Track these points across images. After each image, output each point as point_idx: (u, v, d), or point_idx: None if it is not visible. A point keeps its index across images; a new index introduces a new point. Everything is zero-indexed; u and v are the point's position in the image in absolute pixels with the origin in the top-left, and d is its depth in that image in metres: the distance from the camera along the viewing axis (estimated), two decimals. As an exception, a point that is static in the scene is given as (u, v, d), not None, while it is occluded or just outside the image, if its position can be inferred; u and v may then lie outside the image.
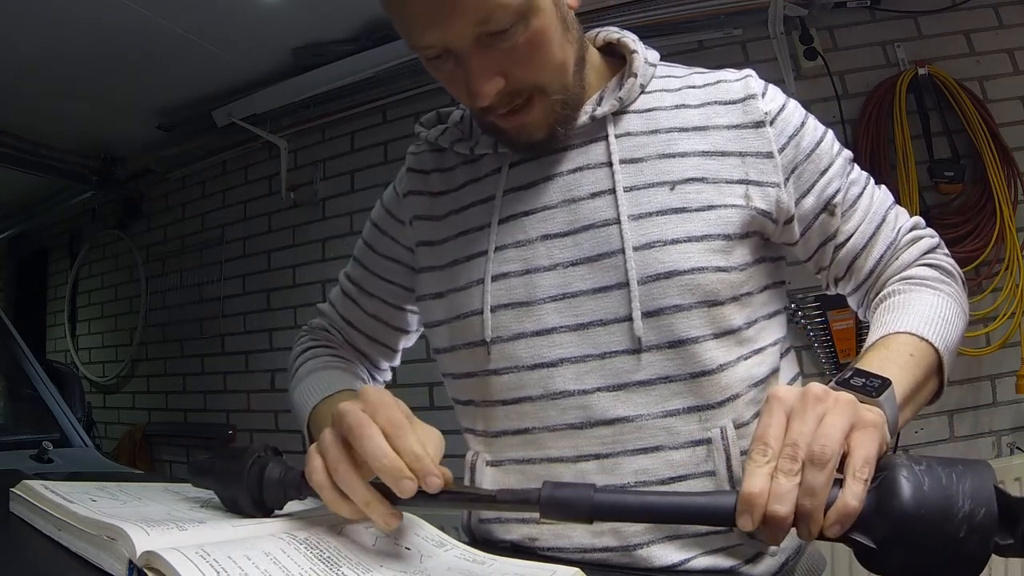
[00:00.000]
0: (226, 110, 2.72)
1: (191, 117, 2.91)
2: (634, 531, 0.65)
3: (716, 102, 0.70)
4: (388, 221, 0.82)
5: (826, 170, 0.70)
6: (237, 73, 2.64)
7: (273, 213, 2.87)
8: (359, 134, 2.69)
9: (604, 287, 0.66)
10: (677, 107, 0.71)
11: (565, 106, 0.67)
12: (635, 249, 0.65)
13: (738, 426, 0.65)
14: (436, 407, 2.17)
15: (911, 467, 0.43)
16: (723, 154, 0.68)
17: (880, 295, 0.70)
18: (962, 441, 1.90)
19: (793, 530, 0.45)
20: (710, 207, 0.66)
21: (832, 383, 0.51)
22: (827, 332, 1.97)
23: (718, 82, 0.72)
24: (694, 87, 0.72)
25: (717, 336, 0.65)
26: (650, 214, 0.66)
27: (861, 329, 1.93)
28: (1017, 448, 1.87)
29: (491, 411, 0.71)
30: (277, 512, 0.56)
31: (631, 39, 0.74)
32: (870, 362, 0.57)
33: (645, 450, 0.65)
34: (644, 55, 0.73)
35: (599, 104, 0.71)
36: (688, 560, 0.64)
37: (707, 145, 0.68)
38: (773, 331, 0.71)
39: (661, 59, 0.76)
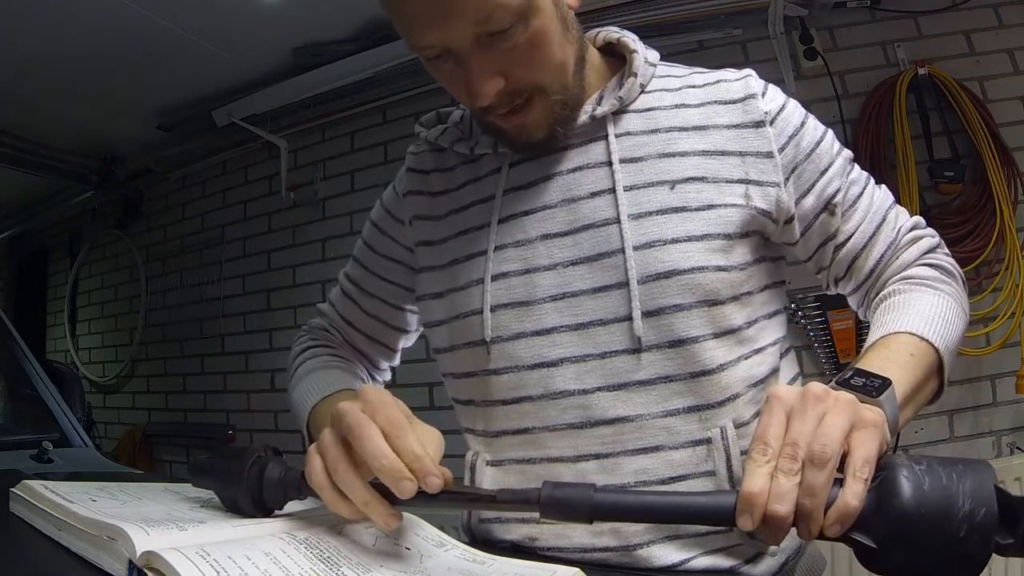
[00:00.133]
0: (226, 110, 2.72)
1: (191, 117, 2.91)
2: (634, 531, 0.65)
3: (716, 101, 0.70)
4: (388, 221, 0.82)
5: (826, 170, 0.70)
6: (237, 73, 2.64)
7: (273, 213, 2.87)
8: (359, 134, 2.69)
9: (604, 287, 0.66)
10: (677, 106, 0.71)
11: (565, 106, 0.67)
12: (635, 248, 0.65)
13: (738, 426, 0.65)
14: (436, 407, 2.17)
15: (911, 467, 0.43)
16: (723, 153, 0.68)
17: (880, 295, 0.70)
18: (962, 441, 1.90)
19: (793, 530, 0.45)
20: (710, 206, 0.66)
21: (832, 383, 0.51)
22: (827, 332, 1.97)
23: (718, 82, 0.72)
24: (694, 87, 0.72)
25: (717, 336, 0.65)
26: (650, 213, 0.66)
27: (861, 329, 1.93)
28: (1017, 448, 1.87)
29: (491, 411, 0.71)
30: (277, 512, 0.56)
31: (631, 39, 0.74)
32: (870, 362, 0.57)
33: (645, 450, 0.65)
34: (644, 55, 0.73)
35: (599, 104, 0.71)
36: (688, 560, 0.64)
37: (707, 144, 0.68)
38: (773, 331, 0.71)
39: (661, 59, 0.76)
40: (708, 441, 0.65)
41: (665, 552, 0.64)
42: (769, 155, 0.68)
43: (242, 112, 2.69)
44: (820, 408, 0.46)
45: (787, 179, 0.68)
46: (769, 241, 0.71)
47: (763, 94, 0.70)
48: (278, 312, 2.79)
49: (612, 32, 0.76)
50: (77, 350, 3.77)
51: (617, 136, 0.70)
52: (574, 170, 0.70)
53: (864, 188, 0.73)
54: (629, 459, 0.65)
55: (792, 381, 0.74)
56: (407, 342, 0.90)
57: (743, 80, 0.71)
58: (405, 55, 2.32)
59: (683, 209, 0.66)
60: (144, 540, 0.43)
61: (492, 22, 0.58)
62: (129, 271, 3.49)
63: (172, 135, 3.06)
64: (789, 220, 0.69)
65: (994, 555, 0.41)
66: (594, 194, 0.68)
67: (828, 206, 0.70)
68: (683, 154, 0.68)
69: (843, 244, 0.72)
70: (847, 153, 0.73)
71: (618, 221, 0.66)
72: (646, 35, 0.77)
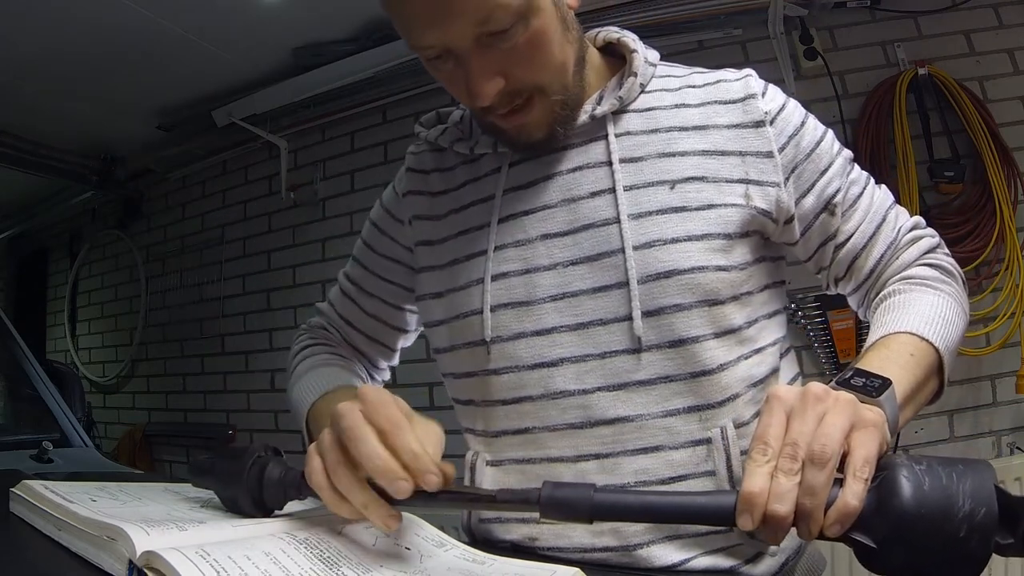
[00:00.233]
0: (226, 110, 2.72)
1: (191, 117, 2.91)
2: (634, 531, 0.65)
3: (716, 101, 0.70)
4: (387, 221, 0.82)
5: (826, 170, 0.70)
6: (237, 73, 2.64)
7: (273, 213, 2.87)
8: (359, 134, 2.69)
9: (604, 286, 0.66)
10: (677, 106, 0.71)
11: (565, 106, 0.67)
12: (635, 248, 0.65)
13: (738, 426, 0.65)
14: (436, 407, 2.17)
15: (911, 467, 0.43)
16: (723, 153, 0.68)
17: (880, 295, 0.70)
18: (962, 441, 1.90)
19: (793, 530, 0.45)
20: (710, 206, 0.66)
21: (832, 383, 0.51)
22: (827, 332, 1.97)
23: (718, 82, 0.72)
24: (694, 86, 0.72)
25: (717, 335, 0.65)
26: (650, 213, 0.66)
27: (861, 329, 1.93)
28: (1017, 448, 1.87)
29: (491, 411, 0.71)
30: (277, 512, 0.56)
31: (631, 39, 0.74)
32: (870, 362, 0.57)
33: (645, 450, 0.65)
34: (644, 54, 0.73)
35: (599, 103, 0.71)
36: (688, 560, 0.64)
37: (707, 144, 0.68)
38: (773, 331, 0.71)
39: (661, 59, 0.76)
40: (708, 441, 0.65)
41: (665, 552, 0.64)
42: (769, 155, 0.68)
43: (242, 112, 2.69)
44: (820, 408, 0.46)
45: (787, 179, 0.68)
46: (769, 241, 0.71)
47: (763, 94, 0.70)
48: (278, 312, 2.79)
49: (612, 32, 0.76)
50: (77, 350, 3.77)
51: (617, 136, 0.70)
52: (574, 170, 0.70)
53: (864, 188, 0.73)
54: (629, 459, 0.65)
55: (792, 381, 0.74)
56: (406, 342, 0.90)
57: (743, 80, 0.71)
58: (405, 55, 2.32)
59: (683, 209, 0.66)
60: (144, 540, 0.43)
61: (492, 22, 0.58)
62: (129, 271, 3.49)
63: (172, 135, 3.06)
64: (789, 220, 0.69)
65: (994, 555, 0.41)
66: (594, 194, 0.68)
67: (828, 206, 0.70)
68: (683, 154, 0.68)
69: (843, 244, 0.72)
70: (847, 153, 0.73)
71: (618, 221, 0.66)
72: (646, 35, 0.77)
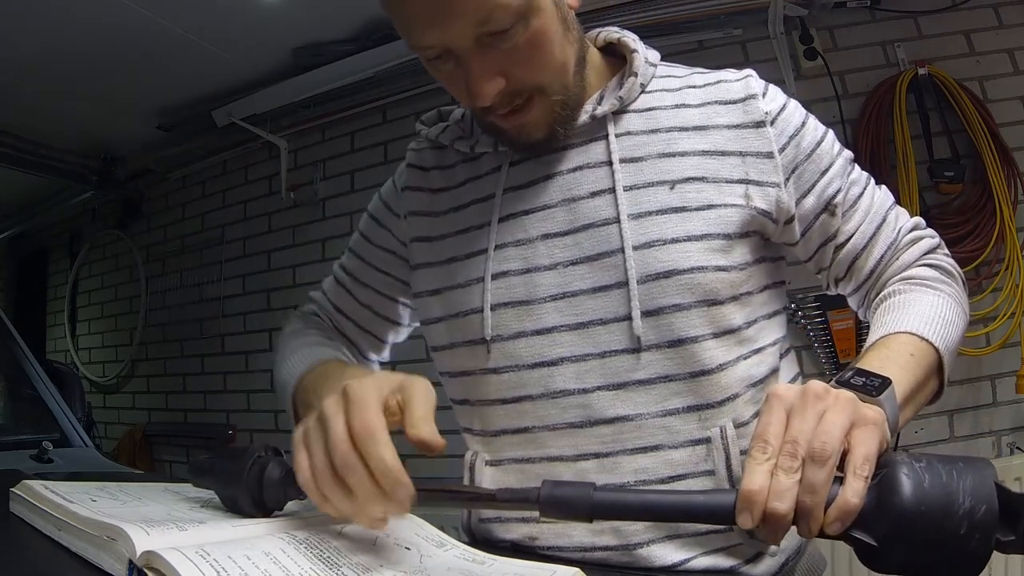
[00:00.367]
0: (226, 110, 2.72)
1: (191, 117, 2.91)
2: (634, 530, 0.65)
3: (716, 102, 0.70)
4: (384, 213, 0.82)
5: (827, 170, 0.70)
6: (237, 73, 2.64)
7: (273, 213, 2.87)
8: (359, 134, 2.69)
9: (604, 286, 0.66)
10: (677, 107, 0.71)
11: (565, 106, 0.67)
12: (635, 248, 0.65)
13: (738, 425, 0.65)
14: (437, 407, 2.16)
15: (911, 464, 0.43)
16: (723, 154, 0.68)
17: (880, 295, 0.70)
18: (962, 441, 1.90)
19: (793, 529, 0.45)
20: (710, 206, 0.66)
21: (832, 382, 0.51)
22: (827, 332, 1.97)
23: (718, 82, 0.72)
24: (694, 87, 0.72)
25: (717, 335, 0.65)
26: (650, 213, 0.66)
27: (861, 329, 1.93)
28: (1017, 448, 1.87)
29: (490, 410, 0.71)
30: (277, 512, 0.56)
31: (631, 39, 0.74)
32: (870, 362, 0.57)
33: (644, 449, 0.65)
34: (644, 55, 0.73)
35: (599, 103, 0.71)
36: (688, 560, 0.64)
37: (707, 144, 0.68)
38: (773, 331, 0.71)
39: (661, 59, 0.76)
40: (707, 441, 0.65)
41: (665, 552, 0.64)
42: (769, 155, 0.68)
43: (242, 112, 2.69)
44: (820, 406, 0.46)
45: (787, 179, 0.68)
46: (769, 242, 0.71)
47: (764, 94, 0.70)
48: (278, 312, 2.79)
49: (613, 32, 0.76)
50: (77, 350, 3.77)
51: (617, 136, 0.70)
52: (574, 170, 0.70)
53: (864, 189, 0.73)
54: (628, 458, 0.65)
55: (792, 381, 0.74)
56: (397, 337, 0.89)
57: (744, 80, 0.71)
58: (405, 55, 2.32)
59: (683, 209, 0.66)
60: (144, 540, 0.43)
61: (492, 22, 0.58)
62: (129, 271, 3.49)
63: (172, 135, 3.06)
64: (789, 220, 0.69)
65: (995, 553, 0.41)
66: (594, 194, 0.68)
67: (828, 206, 0.70)
68: (683, 154, 0.68)
69: (843, 244, 0.72)
70: (847, 154, 0.73)
71: (618, 221, 0.66)
72: (646, 35, 0.77)
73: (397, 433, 0.48)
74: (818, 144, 0.70)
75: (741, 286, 0.67)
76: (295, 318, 0.89)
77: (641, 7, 2.11)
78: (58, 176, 3.30)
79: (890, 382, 0.52)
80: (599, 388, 0.65)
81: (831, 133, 0.72)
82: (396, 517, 0.49)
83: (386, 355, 0.91)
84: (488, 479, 0.71)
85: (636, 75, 0.71)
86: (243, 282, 2.95)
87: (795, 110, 0.71)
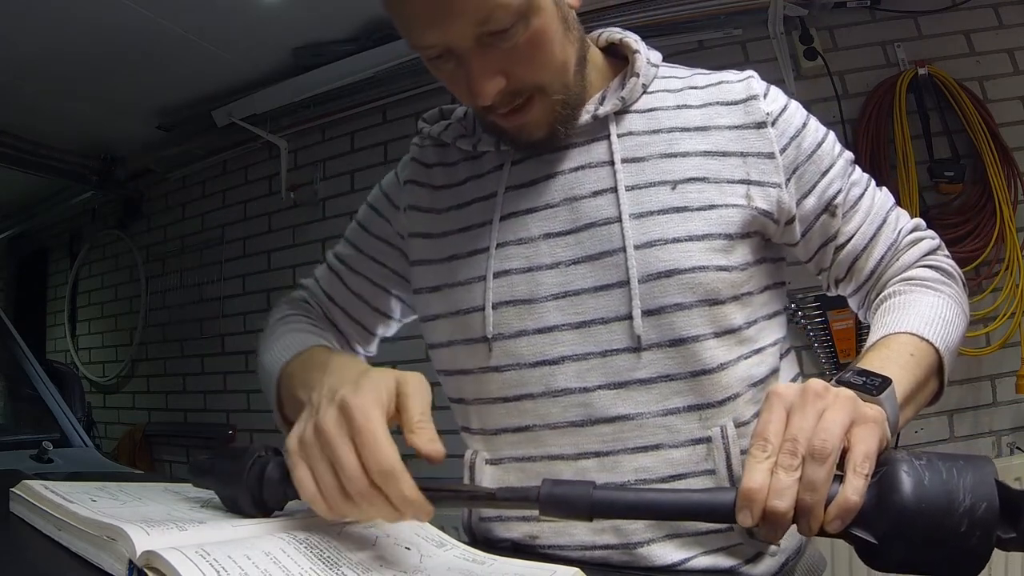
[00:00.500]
0: (226, 110, 2.72)
1: (191, 117, 2.91)
2: (635, 529, 0.65)
3: (718, 103, 0.70)
4: (384, 203, 0.82)
5: (827, 171, 0.70)
6: (237, 73, 2.64)
7: (273, 213, 2.87)
8: (359, 134, 2.69)
9: (605, 285, 0.66)
10: (679, 107, 0.71)
11: (566, 106, 0.67)
12: (636, 248, 0.65)
13: (738, 425, 0.65)
14: (437, 407, 2.16)
15: (912, 462, 0.43)
16: (724, 154, 0.68)
17: (881, 296, 0.71)
18: (962, 441, 1.90)
19: (793, 529, 0.45)
20: (711, 207, 0.66)
21: (833, 381, 0.51)
22: (827, 332, 1.97)
23: (720, 83, 0.72)
24: (696, 87, 0.72)
25: (718, 335, 0.65)
26: (651, 213, 0.66)
27: (861, 329, 1.93)
28: (1017, 448, 1.87)
29: (490, 408, 0.71)
30: (277, 512, 0.56)
31: (633, 39, 0.74)
32: (870, 362, 0.57)
33: (645, 448, 0.65)
34: (646, 55, 0.73)
35: (601, 103, 0.71)
36: (689, 559, 0.64)
37: (709, 145, 0.68)
38: (773, 331, 0.71)
39: (662, 60, 0.76)
40: (708, 440, 0.65)
41: (665, 551, 0.64)
42: (770, 156, 0.68)
43: (242, 112, 2.69)
44: (820, 404, 0.46)
45: (788, 180, 0.69)
46: (770, 242, 0.71)
47: (765, 95, 0.70)
48: (278, 312, 2.79)
49: (615, 33, 0.76)
50: (77, 350, 3.77)
51: (619, 136, 0.70)
52: (576, 169, 0.70)
53: (865, 190, 0.73)
54: (629, 457, 0.65)
55: (792, 381, 0.74)
56: (387, 330, 0.88)
57: (745, 81, 0.71)
58: (405, 55, 2.32)
59: (684, 209, 0.66)
60: (144, 540, 0.43)
61: (493, 22, 0.58)
62: (129, 271, 3.49)
63: (172, 135, 3.06)
64: (790, 221, 0.70)
65: (995, 550, 0.41)
66: (596, 193, 0.68)
67: (829, 207, 0.70)
68: (685, 154, 0.68)
69: (844, 245, 0.72)
70: (848, 155, 0.73)
71: (620, 220, 0.66)
72: (646, 35, 0.77)
73: (396, 432, 0.48)
74: (819, 145, 0.70)
75: (742, 286, 0.67)
76: (283, 303, 0.88)
77: (641, 7, 2.11)
78: (58, 176, 3.30)
79: (890, 381, 0.52)
80: (600, 387, 0.65)
81: (832, 135, 0.73)
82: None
83: (373, 349, 0.89)
84: (488, 478, 0.71)
85: (638, 76, 0.71)
86: (243, 282, 2.95)
87: (796, 111, 0.71)
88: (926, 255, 0.73)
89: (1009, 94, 1.97)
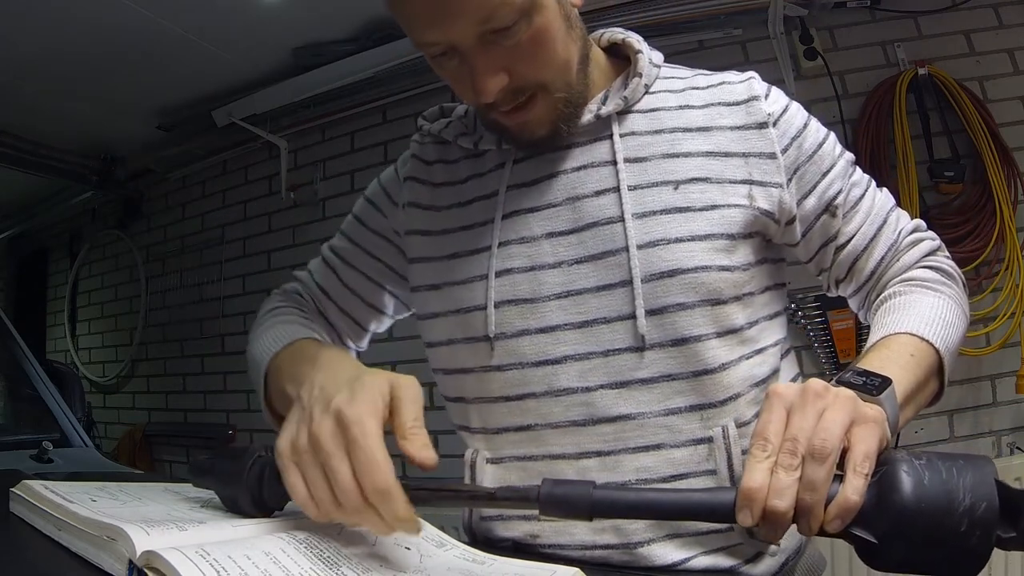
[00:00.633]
0: (226, 110, 2.72)
1: (191, 117, 2.91)
2: (635, 529, 0.65)
3: (720, 103, 0.71)
4: (382, 199, 0.82)
5: (828, 171, 0.70)
6: (237, 73, 2.64)
7: (273, 213, 2.87)
8: (359, 134, 2.69)
9: (608, 285, 0.66)
10: (681, 108, 0.71)
11: (568, 104, 0.67)
12: (639, 247, 0.65)
13: (739, 425, 0.66)
14: (438, 407, 2.16)
15: (911, 462, 0.43)
16: (726, 155, 0.68)
17: (881, 296, 0.71)
18: (962, 441, 1.90)
19: (793, 528, 0.45)
20: (714, 207, 0.66)
21: (833, 381, 0.51)
22: (827, 332, 1.97)
23: (722, 83, 0.72)
24: (698, 88, 0.72)
25: (720, 335, 0.65)
26: (654, 213, 0.66)
27: (861, 329, 1.93)
28: (1017, 448, 1.87)
29: (491, 407, 0.71)
30: (277, 512, 0.56)
31: (635, 39, 0.74)
32: (871, 362, 0.57)
33: (646, 448, 0.65)
34: (648, 55, 0.73)
35: (604, 103, 0.71)
36: (689, 559, 0.64)
37: (711, 146, 0.68)
38: (774, 332, 0.71)
39: (663, 60, 0.76)
40: (709, 440, 0.65)
41: (666, 551, 0.64)
42: (772, 156, 0.68)
43: (242, 112, 2.69)
44: (820, 404, 0.46)
45: (789, 180, 0.69)
46: (771, 243, 0.71)
47: (766, 96, 0.71)
48: (278, 312, 2.79)
49: (617, 33, 0.76)
50: (77, 350, 3.77)
51: (622, 136, 0.70)
52: (578, 168, 0.70)
53: (865, 191, 0.73)
54: (630, 457, 0.65)
55: (792, 381, 0.74)
56: (379, 326, 0.88)
57: (746, 82, 0.71)
58: (405, 55, 2.32)
59: (687, 209, 0.66)
60: (144, 540, 0.43)
61: (496, 19, 0.58)
62: (129, 271, 3.49)
63: (172, 135, 3.06)
64: (791, 221, 0.70)
65: (995, 550, 0.41)
66: (599, 193, 0.68)
67: (829, 207, 0.70)
68: (687, 155, 0.68)
69: (844, 246, 0.72)
70: (849, 156, 0.73)
71: (622, 220, 0.66)
72: (646, 35, 0.77)
73: (388, 434, 0.48)
74: (820, 146, 0.70)
75: (744, 286, 0.67)
76: (276, 294, 0.87)
77: (641, 7, 2.11)
78: (58, 176, 3.30)
79: (890, 381, 0.52)
80: (602, 386, 0.65)
81: (832, 135, 0.73)
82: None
83: (364, 344, 0.89)
84: (489, 477, 0.71)
85: (640, 76, 0.71)
86: (243, 282, 2.95)
87: (797, 112, 0.71)
88: (926, 256, 0.73)
89: (1009, 94, 1.97)
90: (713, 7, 2.09)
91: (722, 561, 0.65)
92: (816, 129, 0.71)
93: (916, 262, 0.72)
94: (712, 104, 0.71)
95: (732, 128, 0.69)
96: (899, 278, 0.72)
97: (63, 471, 1.21)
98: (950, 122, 1.96)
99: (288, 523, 0.52)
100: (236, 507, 0.55)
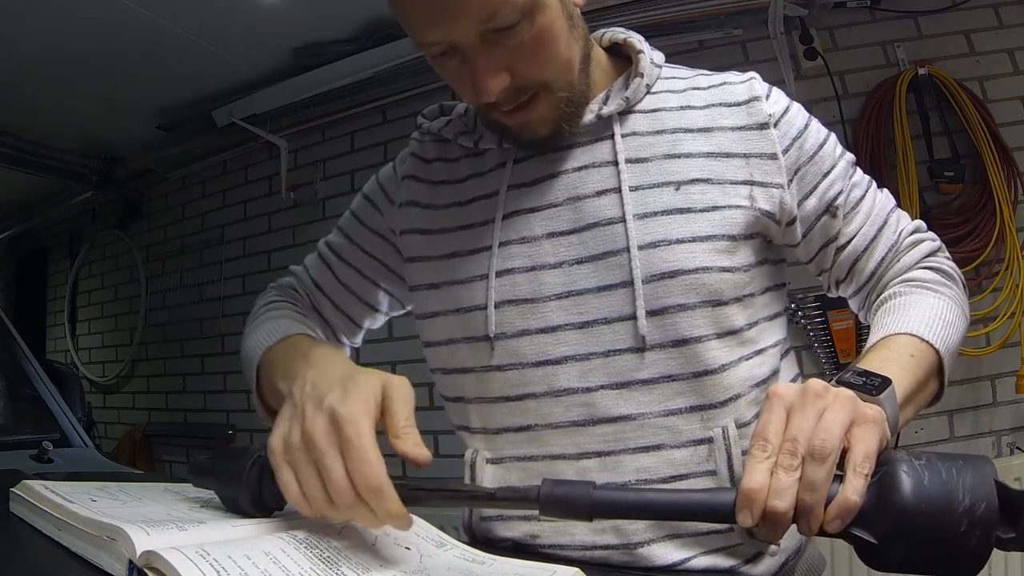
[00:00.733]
0: (226, 110, 2.72)
1: (191, 117, 2.92)
2: (635, 529, 0.65)
3: (721, 104, 0.71)
4: (380, 196, 0.82)
5: (828, 172, 0.70)
6: (237, 73, 2.64)
7: (273, 213, 2.87)
8: (359, 134, 2.69)
9: (609, 285, 0.66)
10: (682, 108, 0.71)
11: (570, 103, 0.67)
12: (640, 248, 0.65)
13: (740, 426, 0.66)
14: (437, 407, 2.16)
15: (911, 462, 0.43)
16: (728, 155, 0.68)
17: (881, 297, 0.71)
18: (962, 441, 1.90)
19: (793, 529, 0.45)
20: (715, 208, 0.66)
21: (833, 381, 0.51)
22: (827, 332, 1.97)
23: (723, 84, 0.72)
24: (699, 88, 0.72)
25: (720, 336, 0.65)
26: (655, 213, 0.66)
27: (861, 329, 1.93)
28: (1017, 448, 1.87)
29: (492, 407, 0.71)
30: (277, 512, 0.56)
31: (637, 39, 0.74)
32: (871, 362, 0.57)
33: (647, 448, 0.65)
34: (650, 56, 0.73)
35: (605, 103, 0.71)
36: (689, 559, 0.64)
37: (712, 146, 0.68)
38: (774, 333, 0.71)
39: (664, 60, 0.76)
40: (710, 440, 0.65)
41: (666, 551, 0.64)
42: (773, 157, 0.68)
43: (242, 112, 2.70)
44: (820, 404, 0.46)
45: (790, 181, 0.69)
46: (771, 244, 0.71)
47: (767, 97, 0.70)
48: (278, 312, 2.79)
49: (619, 33, 0.76)
50: (77, 350, 3.77)
51: (623, 136, 0.70)
52: (580, 168, 0.70)
53: (866, 191, 0.73)
54: (630, 457, 0.65)
55: (792, 381, 0.74)
56: (373, 323, 0.88)
57: (747, 83, 0.71)
58: (405, 55, 2.32)
59: (688, 210, 0.66)
60: (144, 540, 0.43)
61: (497, 18, 0.58)
62: (129, 271, 3.49)
63: (172, 135, 3.06)
64: (791, 222, 0.70)
65: (995, 550, 0.41)
66: (600, 193, 0.68)
67: (830, 208, 0.70)
68: (688, 155, 0.68)
69: (844, 246, 0.72)
70: (850, 156, 0.73)
71: (623, 220, 0.66)
72: (647, 35, 0.77)
73: (380, 434, 0.49)
74: (820, 147, 0.70)
75: (744, 287, 0.67)
76: (271, 289, 0.87)
77: (641, 7, 2.11)
78: (58, 176, 3.30)
79: (890, 382, 0.52)
80: (602, 387, 0.65)
81: (833, 136, 0.73)
82: (408, 509, 0.49)
83: (359, 340, 0.89)
84: (489, 477, 0.71)
85: (642, 76, 0.71)
86: (243, 282, 2.95)
87: (798, 113, 0.71)
88: (927, 257, 0.73)
89: (1009, 94, 1.97)
90: (713, 7, 2.09)
91: (722, 561, 0.65)
92: (817, 130, 0.71)
93: (916, 263, 0.72)
94: (713, 105, 0.71)
95: (733, 129, 0.69)
96: (899, 279, 0.72)
97: (63, 471, 1.21)
98: (950, 122, 1.96)
99: (288, 523, 0.52)
100: (236, 507, 0.55)
